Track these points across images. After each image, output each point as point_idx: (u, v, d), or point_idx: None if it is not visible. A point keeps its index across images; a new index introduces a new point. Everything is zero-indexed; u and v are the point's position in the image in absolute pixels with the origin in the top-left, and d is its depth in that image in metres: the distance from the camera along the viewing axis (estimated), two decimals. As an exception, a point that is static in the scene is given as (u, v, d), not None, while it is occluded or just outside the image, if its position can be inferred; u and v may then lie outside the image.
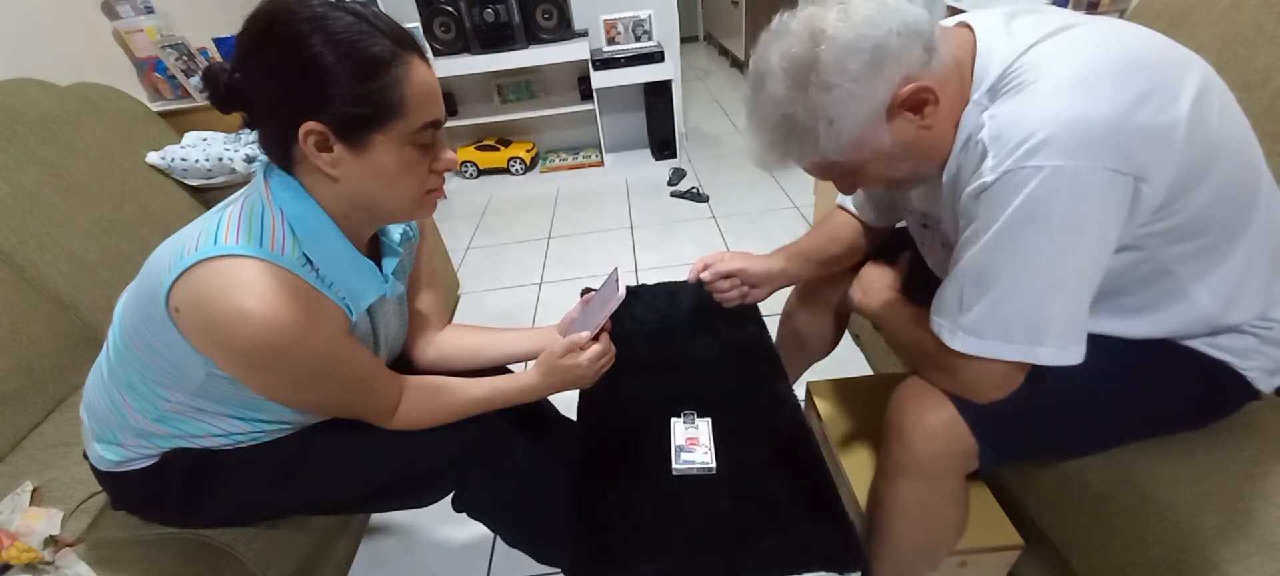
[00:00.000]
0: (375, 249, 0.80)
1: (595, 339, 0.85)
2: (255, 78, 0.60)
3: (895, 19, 0.61)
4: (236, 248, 0.61)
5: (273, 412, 0.76)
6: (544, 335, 0.95)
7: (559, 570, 1.05)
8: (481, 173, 3.19)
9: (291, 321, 0.61)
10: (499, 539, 0.96)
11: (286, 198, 0.65)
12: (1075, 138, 0.55)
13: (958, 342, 0.67)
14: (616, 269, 0.87)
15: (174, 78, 1.97)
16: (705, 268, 1.04)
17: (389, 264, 0.78)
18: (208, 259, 0.60)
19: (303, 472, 0.81)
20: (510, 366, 1.03)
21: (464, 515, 0.89)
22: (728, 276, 1.03)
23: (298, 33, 0.57)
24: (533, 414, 1.07)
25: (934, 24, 0.63)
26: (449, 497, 0.87)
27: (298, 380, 0.69)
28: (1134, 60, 0.59)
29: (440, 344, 0.96)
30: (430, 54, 2.70)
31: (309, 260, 0.66)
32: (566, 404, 1.09)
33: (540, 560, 0.99)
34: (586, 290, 1.11)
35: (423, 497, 0.87)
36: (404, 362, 0.94)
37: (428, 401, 0.81)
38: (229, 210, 0.66)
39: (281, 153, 0.65)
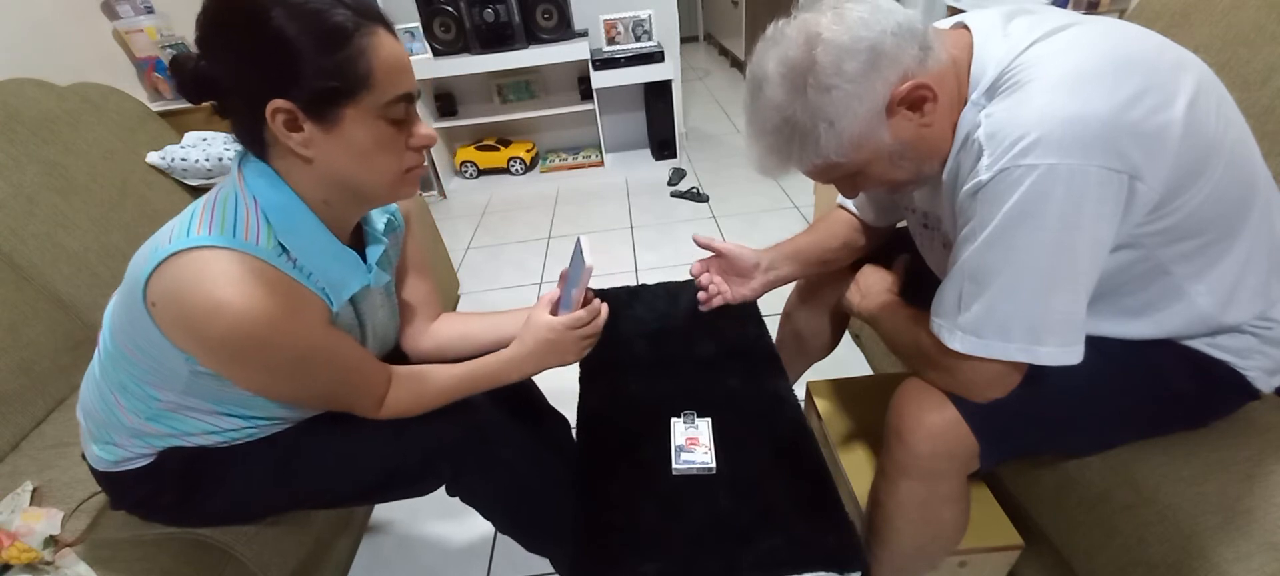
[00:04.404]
0: (359, 239, 0.79)
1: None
2: (220, 60, 0.60)
3: (888, 19, 0.62)
4: (208, 238, 0.61)
5: (264, 408, 0.76)
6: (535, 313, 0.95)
7: (548, 560, 1.05)
8: (481, 173, 3.19)
9: (266, 311, 0.60)
10: (498, 534, 0.96)
11: (261, 185, 0.65)
12: (1069, 136, 0.56)
13: (956, 342, 0.67)
14: (579, 238, 0.83)
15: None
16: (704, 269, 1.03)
17: (373, 253, 0.77)
18: (180, 251, 0.60)
19: (298, 468, 0.81)
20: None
21: (463, 515, 0.90)
22: (715, 257, 1.02)
23: (257, 8, 0.57)
24: (524, 404, 1.08)
25: (927, 25, 0.64)
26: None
27: (278, 372, 0.68)
28: (1129, 59, 0.59)
29: (435, 334, 0.95)
30: (417, 36, 2.70)
31: (285, 249, 0.66)
32: (567, 404, 1.09)
33: (530, 548, 1.00)
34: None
35: (418, 488, 0.87)
36: (400, 356, 0.94)
37: (412, 390, 0.81)
38: (203, 202, 0.65)
39: (253, 138, 0.64)
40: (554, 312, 0.85)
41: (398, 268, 0.91)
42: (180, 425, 0.75)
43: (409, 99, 0.65)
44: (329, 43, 0.58)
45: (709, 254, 1.02)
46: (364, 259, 0.76)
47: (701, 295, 1.02)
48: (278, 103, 0.58)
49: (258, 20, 0.57)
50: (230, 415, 0.75)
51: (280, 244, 0.65)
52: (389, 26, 0.63)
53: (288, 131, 0.60)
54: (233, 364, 0.66)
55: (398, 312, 0.91)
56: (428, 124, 0.68)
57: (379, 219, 0.82)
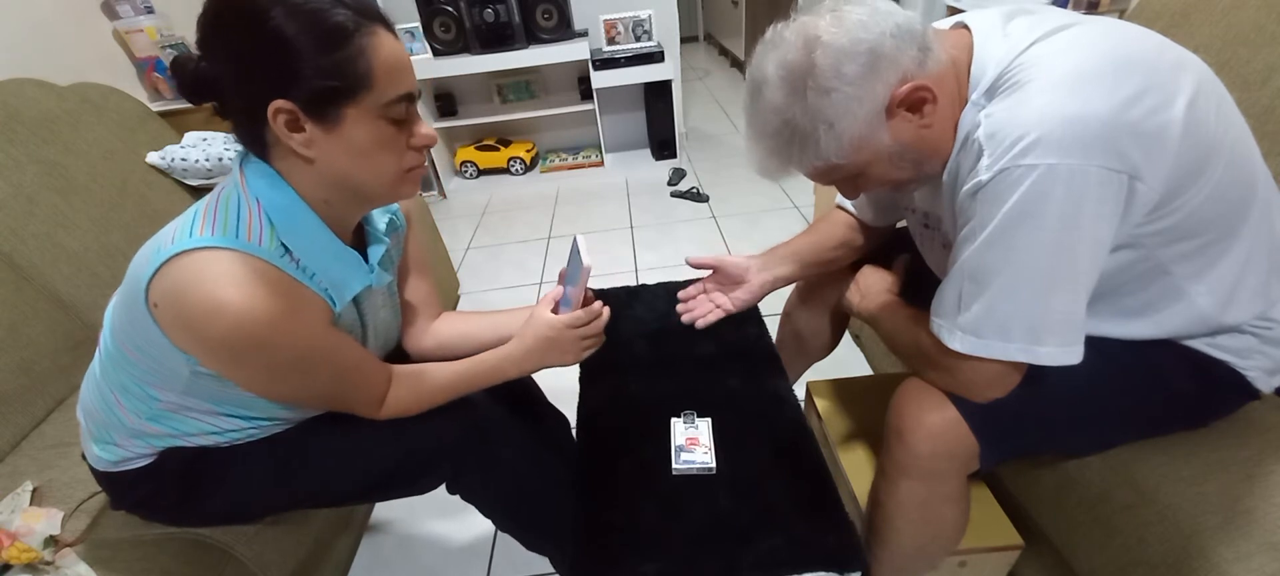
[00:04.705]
0: (361, 240, 0.79)
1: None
2: (220, 61, 0.59)
3: (888, 21, 0.62)
4: (211, 239, 0.61)
5: (264, 409, 0.76)
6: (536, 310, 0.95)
7: (548, 559, 1.05)
8: (481, 173, 3.19)
9: (268, 312, 0.60)
10: (498, 534, 0.96)
11: (262, 186, 0.64)
12: (1069, 136, 0.56)
13: (956, 342, 0.67)
14: (576, 237, 0.83)
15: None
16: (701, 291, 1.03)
17: (375, 253, 0.77)
18: (183, 252, 0.60)
19: (298, 467, 0.81)
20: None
21: (463, 515, 0.90)
22: (711, 273, 1.01)
23: (257, 8, 0.56)
24: (525, 404, 1.08)
25: (926, 26, 0.64)
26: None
27: (279, 372, 0.68)
28: (1129, 59, 0.59)
29: (437, 333, 0.95)
30: (417, 36, 2.70)
31: (287, 249, 0.66)
32: (567, 403, 1.09)
33: (530, 547, 1.00)
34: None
35: (418, 486, 0.87)
36: (402, 355, 0.94)
37: (412, 388, 0.81)
38: (205, 203, 0.65)
39: (255, 138, 0.63)
40: (556, 311, 0.86)
41: (399, 267, 0.91)
42: (180, 425, 0.75)
43: (410, 98, 0.65)
44: (329, 42, 0.58)
45: (706, 272, 1.01)
46: (366, 259, 0.76)
47: (686, 318, 1.01)
48: (279, 103, 0.58)
49: (257, 20, 0.56)
50: (230, 415, 0.75)
51: (283, 244, 0.65)
52: (389, 26, 0.63)
53: (289, 132, 0.60)
54: (234, 364, 0.66)
55: (400, 312, 0.91)
56: (428, 124, 0.68)
57: (381, 219, 0.82)
